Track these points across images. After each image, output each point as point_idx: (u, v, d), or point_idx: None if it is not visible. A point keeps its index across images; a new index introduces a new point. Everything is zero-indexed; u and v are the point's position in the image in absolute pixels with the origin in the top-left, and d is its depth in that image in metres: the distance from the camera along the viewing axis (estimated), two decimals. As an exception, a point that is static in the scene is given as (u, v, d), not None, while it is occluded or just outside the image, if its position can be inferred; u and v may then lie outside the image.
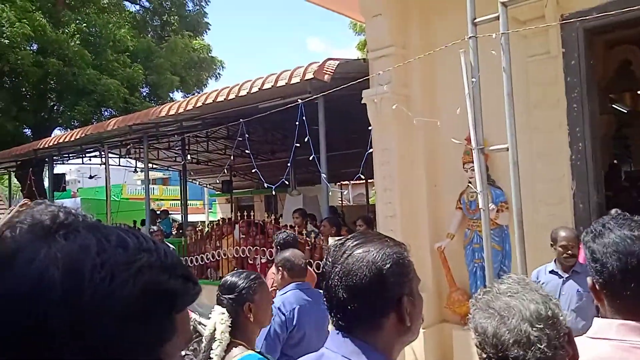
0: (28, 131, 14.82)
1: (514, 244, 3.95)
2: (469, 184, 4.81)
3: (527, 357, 1.01)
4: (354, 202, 15.51)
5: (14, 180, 15.30)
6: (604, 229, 1.33)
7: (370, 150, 5.30)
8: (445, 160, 5.38)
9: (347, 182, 13.51)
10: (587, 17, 4.21)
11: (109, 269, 0.57)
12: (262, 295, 2.27)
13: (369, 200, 15.17)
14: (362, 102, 5.38)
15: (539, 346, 1.02)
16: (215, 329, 2.12)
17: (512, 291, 1.12)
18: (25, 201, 6.65)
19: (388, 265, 1.14)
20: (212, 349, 2.08)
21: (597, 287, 1.33)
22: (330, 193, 6.42)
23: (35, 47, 13.85)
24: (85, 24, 14.92)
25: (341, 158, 9.99)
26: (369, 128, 5.21)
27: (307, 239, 6.79)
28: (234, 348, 2.11)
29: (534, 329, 1.03)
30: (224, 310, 2.17)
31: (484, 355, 1.09)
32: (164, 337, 0.62)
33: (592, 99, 4.59)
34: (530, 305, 1.07)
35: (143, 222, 11.57)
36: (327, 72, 5.56)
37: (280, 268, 3.35)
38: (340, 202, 13.59)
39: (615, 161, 8.63)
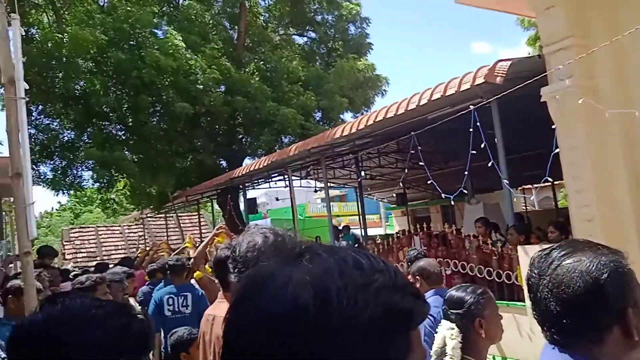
0: (223, 163, 16.78)
1: None
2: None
3: None
4: (539, 206, 14.37)
5: (216, 207, 17.43)
6: None
7: (556, 150, 4.91)
8: (649, 153, 4.73)
9: (529, 186, 12.65)
10: None
11: (352, 291, 0.59)
12: (491, 310, 2.24)
13: (558, 203, 13.94)
14: (542, 100, 5.02)
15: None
16: (444, 344, 2.14)
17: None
18: (221, 224, 7.53)
19: (605, 275, 1.08)
20: None
21: None
22: (514, 199, 6.08)
23: (223, 88, 15.71)
24: (262, 62, 16.49)
25: (521, 161, 9.42)
26: (553, 127, 4.84)
27: (493, 248, 6.51)
28: None
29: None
30: (453, 325, 2.17)
31: None
32: (402, 355, 0.63)
33: None
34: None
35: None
36: (499, 74, 5.33)
37: (417, 277, 3.54)
38: (524, 207, 12.72)
39: None
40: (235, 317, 0.63)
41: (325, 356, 0.57)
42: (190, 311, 5.37)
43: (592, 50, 4.45)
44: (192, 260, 5.62)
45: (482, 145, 5.68)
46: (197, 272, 5.70)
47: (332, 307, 0.58)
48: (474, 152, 5.84)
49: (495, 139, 5.90)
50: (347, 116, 17.71)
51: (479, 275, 6.34)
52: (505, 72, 5.31)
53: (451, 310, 2.18)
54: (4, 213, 12.39)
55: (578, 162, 4.89)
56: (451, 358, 2.06)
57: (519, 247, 5.59)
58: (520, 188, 12.24)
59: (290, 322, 0.58)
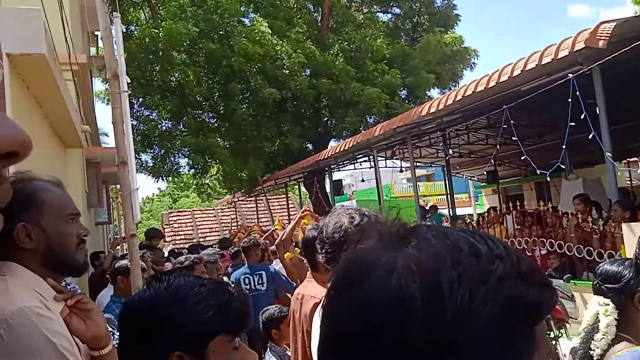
0: (309, 146, 17.03)
1: None
2: None
3: None
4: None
5: (303, 189, 17.79)
6: None
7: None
8: None
9: (635, 158, 11.64)
10: None
11: (467, 282, 0.52)
12: None
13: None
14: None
15: None
16: (596, 321, 2.04)
17: None
18: (306, 207, 7.68)
19: None
20: (593, 340, 2.01)
21: None
22: (618, 173, 5.63)
23: (308, 71, 15.87)
24: (346, 42, 16.42)
25: (628, 131, 8.67)
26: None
27: (594, 227, 6.09)
28: (617, 343, 2.01)
29: None
30: (608, 301, 2.07)
31: None
32: (528, 354, 0.55)
33: None
34: None
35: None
36: (603, 37, 4.90)
37: None
38: (629, 182, 11.75)
39: None
40: (332, 306, 0.58)
41: (446, 358, 0.51)
42: (265, 288, 5.70)
43: None
44: (278, 241, 5.86)
45: (582, 117, 5.29)
46: (287, 253, 5.93)
47: (443, 302, 0.51)
48: (573, 124, 5.46)
49: (597, 109, 5.46)
50: (434, 92, 17.25)
51: (577, 255, 5.98)
52: (609, 34, 4.87)
53: (606, 285, 2.04)
54: (111, 199, 13.48)
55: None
56: (604, 335, 1.94)
57: (624, 225, 5.19)
58: (624, 161, 11.33)
59: (393, 318, 0.52)
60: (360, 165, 14.40)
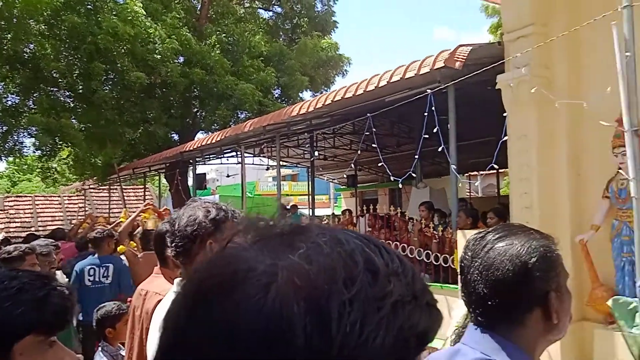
0: (175, 136, 16.35)
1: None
2: (619, 170, 4.38)
3: None
4: (483, 193, 14.84)
5: (163, 181, 17.01)
6: None
7: (505, 138, 5.05)
8: (592, 145, 4.95)
9: (476, 173, 13.01)
10: None
11: (360, 309, 0.42)
12: None
13: (500, 191, 14.43)
14: (497, 87, 5.14)
15: None
16: (467, 320, 2.10)
17: None
18: (149, 201, 7.36)
19: (534, 259, 1.11)
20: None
21: None
22: (459, 185, 6.23)
23: (181, 59, 15.24)
24: (224, 35, 16.07)
25: (471, 148, 9.65)
26: (504, 115, 4.96)
27: (434, 232, 6.67)
28: None
29: None
30: None
31: None
32: None
33: None
34: None
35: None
36: (459, 59, 5.39)
37: None
38: (469, 193, 13.11)
39: None
40: (182, 320, 0.45)
41: None
42: (110, 281, 5.54)
43: (551, 39, 4.56)
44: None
45: (435, 130, 5.76)
46: (121, 247, 5.70)
47: (330, 332, 0.41)
48: (427, 136, 5.92)
49: (448, 125, 6.00)
50: (307, 95, 17.61)
51: (417, 258, 6.51)
52: (465, 57, 5.38)
53: None
54: None
55: (525, 150, 5.06)
56: None
57: (459, 231, 5.74)
58: (466, 174, 12.62)
59: (262, 348, 0.40)
60: (227, 160, 14.18)
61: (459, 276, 1.21)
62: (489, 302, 1.11)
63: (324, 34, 17.89)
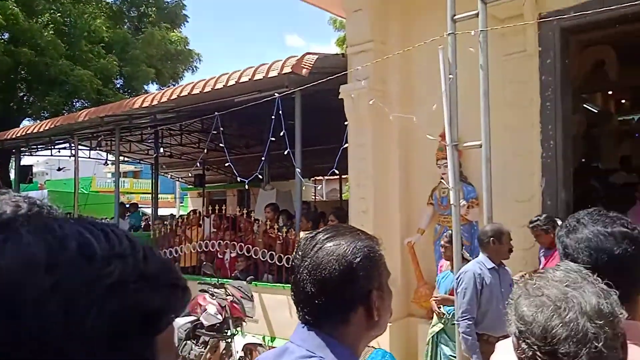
0: (-5, 121, 14.37)
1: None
2: (442, 180, 4.84)
3: (579, 355, 0.89)
4: (327, 197, 15.50)
5: (-21, 171, 14.84)
6: (578, 224, 1.32)
7: (346, 145, 5.29)
8: (420, 156, 5.42)
9: (321, 177, 13.49)
10: (565, 17, 4.27)
11: (65, 292, 0.42)
12: None
13: (342, 195, 15.20)
14: (340, 97, 5.36)
15: (595, 344, 0.90)
16: None
17: (570, 280, 1.00)
18: None
19: (358, 259, 1.13)
20: None
21: None
22: (303, 188, 6.39)
23: (6, 35, 13.44)
24: (59, 14, 14.52)
25: (316, 153, 9.96)
26: (345, 123, 5.20)
27: (279, 234, 6.76)
28: None
29: (593, 324, 0.91)
30: None
31: (524, 346, 0.97)
32: None
33: (566, 98, 4.66)
34: (592, 298, 0.95)
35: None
36: (306, 66, 5.52)
37: None
38: (314, 197, 13.58)
39: (584, 160, 8.81)
40: None
41: None
42: None
43: (387, 56, 4.88)
44: None
45: (282, 134, 5.83)
46: None
47: (26, 321, 0.40)
48: (273, 139, 5.96)
49: (295, 129, 6.11)
50: (153, 88, 16.75)
51: (262, 259, 6.54)
52: (311, 65, 5.52)
53: None
54: None
55: (363, 158, 5.36)
56: None
57: (302, 233, 5.89)
58: (312, 179, 13.06)
59: None
60: (59, 152, 12.82)
61: (290, 275, 1.20)
62: (316, 301, 1.12)
63: (173, 27, 17.21)
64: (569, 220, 1.37)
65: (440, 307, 4.52)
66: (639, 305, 1.30)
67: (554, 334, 0.93)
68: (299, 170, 6.04)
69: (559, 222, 3.97)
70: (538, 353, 0.94)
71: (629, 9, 4.03)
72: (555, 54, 4.52)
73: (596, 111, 10.00)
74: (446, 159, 4.08)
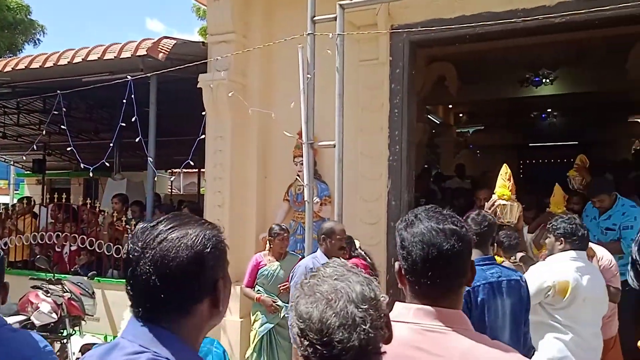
0: None
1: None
2: (297, 177, 4.94)
3: (351, 339, 0.97)
4: (184, 191, 15.01)
5: None
6: (415, 219, 1.40)
7: (202, 136, 5.15)
8: (277, 153, 5.48)
9: (179, 170, 13.02)
10: (413, 30, 4.61)
11: None
12: None
13: (201, 189, 14.82)
14: (198, 86, 5.21)
15: (363, 327, 0.99)
16: None
17: (338, 274, 1.07)
18: None
19: (208, 249, 1.10)
20: None
21: (402, 272, 1.39)
22: (155, 179, 6.10)
23: None
24: None
25: (175, 144, 9.58)
26: (203, 113, 5.06)
27: (127, 226, 6.37)
28: None
29: (359, 309, 1.00)
30: None
31: (306, 343, 1.02)
32: None
33: (411, 107, 5.04)
34: (356, 286, 1.03)
35: None
36: (162, 51, 5.26)
37: None
38: (170, 190, 13.05)
39: (426, 166, 9.65)
40: None
41: None
42: None
43: (248, 49, 4.84)
44: None
45: (133, 120, 5.48)
46: None
47: None
48: (124, 125, 5.58)
49: (149, 117, 5.79)
50: (-17, 58, 14.72)
51: (106, 253, 6.11)
52: (168, 50, 5.27)
53: None
54: None
55: (221, 150, 5.26)
56: None
57: (141, 223, 5.61)
58: (169, 170, 12.54)
59: None
60: None
61: (127, 268, 1.11)
62: (160, 295, 1.06)
63: (13, -7, 15.35)
64: (409, 214, 1.44)
65: (276, 302, 4.60)
66: (461, 296, 1.42)
67: (329, 325, 0.98)
68: (152, 160, 5.74)
69: (357, 242, 4.35)
70: (317, 346, 0.99)
71: (468, 30, 4.50)
72: (404, 64, 4.87)
73: (438, 122, 11.01)
74: (302, 156, 4.16)
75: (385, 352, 1.04)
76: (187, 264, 1.07)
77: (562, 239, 3.21)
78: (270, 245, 4.71)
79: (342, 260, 1.19)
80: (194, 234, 1.11)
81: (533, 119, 12.51)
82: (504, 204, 4.06)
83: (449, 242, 1.35)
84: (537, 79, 9.07)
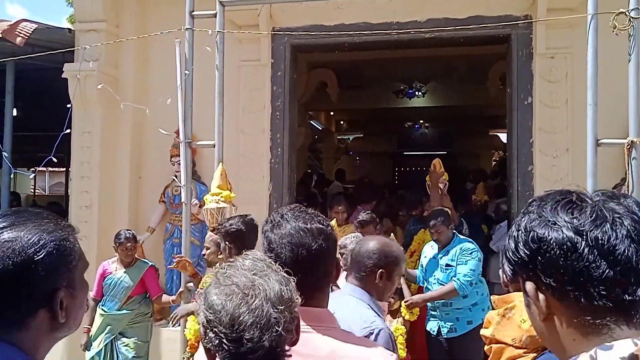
0: None
1: (211, 239, 4.00)
2: (174, 178, 4.75)
3: (262, 339, 0.94)
4: (50, 191, 13.79)
5: None
6: (282, 219, 1.38)
7: (68, 131, 4.74)
8: (153, 151, 5.23)
9: (44, 168, 11.94)
10: (294, 34, 4.66)
11: None
12: None
13: (69, 190, 13.74)
14: (63, 76, 4.79)
15: (276, 328, 0.95)
16: None
17: (257, 269, 1.03)
18: None
19: (41, 256, 0.97)
20: None
21: None
22: (11, 176, 5.50)
23: None
24: None
25: (40, 139, 8.75)
26: (68, 106, 4.66)
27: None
28: None
29: (275, 310, 0.96)
30: None
31: (212, 335, 0.97)
32: None
33: (293, 111, 5.08)
34: (275, 285, 1.00)
35: None
36: (21, 35, 4.75)
37: None
38: (33, 190, 11.90)
39: (309, 170, 9.83)
40: None
41: None
42: None
43: (120, 40, 4.56)
44: None
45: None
46: None
47: None
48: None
49: (5, 108, 5.22)
50: None
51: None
52: (28, 35, 4.77)
53: None
54: None
55: (89, 147, 4.91)
56: None
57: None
58: (33, 169, 11.43)
59: None
60: None
61: None
62: None
63: None
64: (274, 215, 1.42)
65: None
66: (327, 294, 1.43)
67: (241, 321, 0.95)
68: (7, 155, 5.17)
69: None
70: (224, 341, 0.95)
71: (347, 38, 4.65)
72: (286, 68, 4.90)
73: (320, 128, 11.28)
74: (180, 155, 3.99)
75: (290, 355, 1.01)
76: (12, 272, 0.94)
77: None
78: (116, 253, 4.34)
79: (262, 254, 1.14)
80: (27, 237, 0.98)
81: (407, 128, 13.32)
82: None
83: (317, 242, 1.35)
84: (410, 91, 9.68)
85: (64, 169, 11.77)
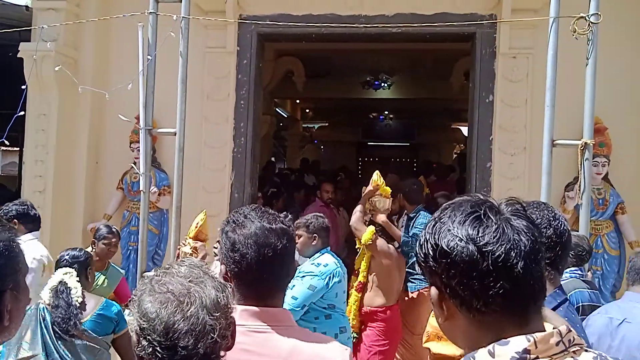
0: None
1: (171, 228, 3.95)
2: (133, 165, 4.64)
3: (197, 346, 0.93)
4: (3, 171, 13.27)
5: None
6: (246, 219, 1.37)
7: (22, 113, 4.55)
8: (112, 137, 5.09)
9: (-5, 149, 11.43)
10: (261, 23, 4.60)
11: None
12: None
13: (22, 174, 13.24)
14: (19, 55, 4.60)
15: (212, 335, 0.95)
16: None
17: (193, 275, 1.02)
18: None
19: None
20: None
21: (229, 275, 1.36)
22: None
23: None
24: None
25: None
26: (23, 87, 4.47)
27: None
28: None
29: (211, 317, 0.96)
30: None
31: (145, 343, 0.95)
32: None
33: (258, 100, 5.03)
34: (211, 292, 1.00)
35: None
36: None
37: None
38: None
39: (272, 159, 9.78)
40: None
41: None
42: None
43: (80, 21, 4.40)
44: None
45: None
46: None
47: None
48: None
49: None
50: None
51: None
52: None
53: None
54: None
55: (44, 130, 4.74)
56: None
57: None
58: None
59: None
60: None
61: None
62: None
63: None
64: (235, 215, 1.41)
65: None
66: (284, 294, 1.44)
67: (175, 329, 0.94)
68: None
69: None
70: (158, 349, 0.94)
71: (314, 29, 4.63)
72: (252, 56, 4.83)
73: (286, 116, 11.22)
74: (139, 142, 3.90)
75: (224, 357, 1.02)
76: None
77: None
78: (93, 248, 3.85)
79: (198, 260, 1.13)
80: None
81: (372, 119, 13.42)
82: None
83: (281, 242, 1.36)
84: (376, 82, 9.74)
85: (18, 149, 11.33)
